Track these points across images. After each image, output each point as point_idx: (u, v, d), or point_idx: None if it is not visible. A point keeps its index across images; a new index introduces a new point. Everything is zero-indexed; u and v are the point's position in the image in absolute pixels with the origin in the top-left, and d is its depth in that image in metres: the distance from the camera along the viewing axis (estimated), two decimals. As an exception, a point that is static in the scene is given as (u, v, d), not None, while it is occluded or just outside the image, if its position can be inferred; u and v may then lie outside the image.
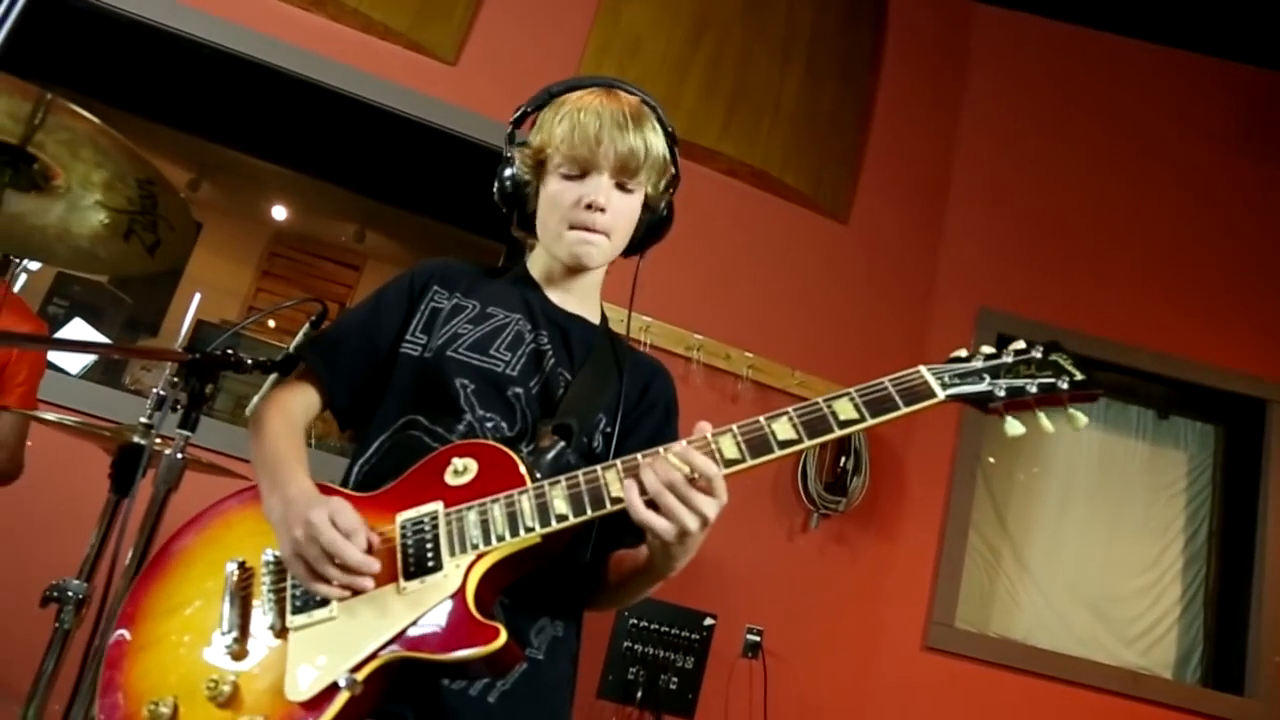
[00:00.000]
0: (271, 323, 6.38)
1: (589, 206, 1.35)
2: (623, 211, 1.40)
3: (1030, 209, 4.05)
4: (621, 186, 1.38)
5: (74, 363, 4.67)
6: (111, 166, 1.70)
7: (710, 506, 1.07)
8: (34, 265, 2.42)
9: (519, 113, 1.46)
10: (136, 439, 1.99)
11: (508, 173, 1.42)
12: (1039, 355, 1.11)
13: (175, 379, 1.60)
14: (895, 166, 4.00)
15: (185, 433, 1.57)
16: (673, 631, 3.04)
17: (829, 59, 3.90)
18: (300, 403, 1.39)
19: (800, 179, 3.76)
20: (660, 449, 1.11)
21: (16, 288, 2.60)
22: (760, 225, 3.76)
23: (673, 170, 1.46)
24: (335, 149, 4.65)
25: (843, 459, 3.54)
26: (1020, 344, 1.13)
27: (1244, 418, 4.02)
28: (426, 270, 1.46)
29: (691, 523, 1.06)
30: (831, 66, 3.90)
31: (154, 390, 2.14)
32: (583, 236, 1.37)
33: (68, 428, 2.14)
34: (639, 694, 2.95)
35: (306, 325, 1.88)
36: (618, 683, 2.97)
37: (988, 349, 1.14)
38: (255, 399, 1.85)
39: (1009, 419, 1.11)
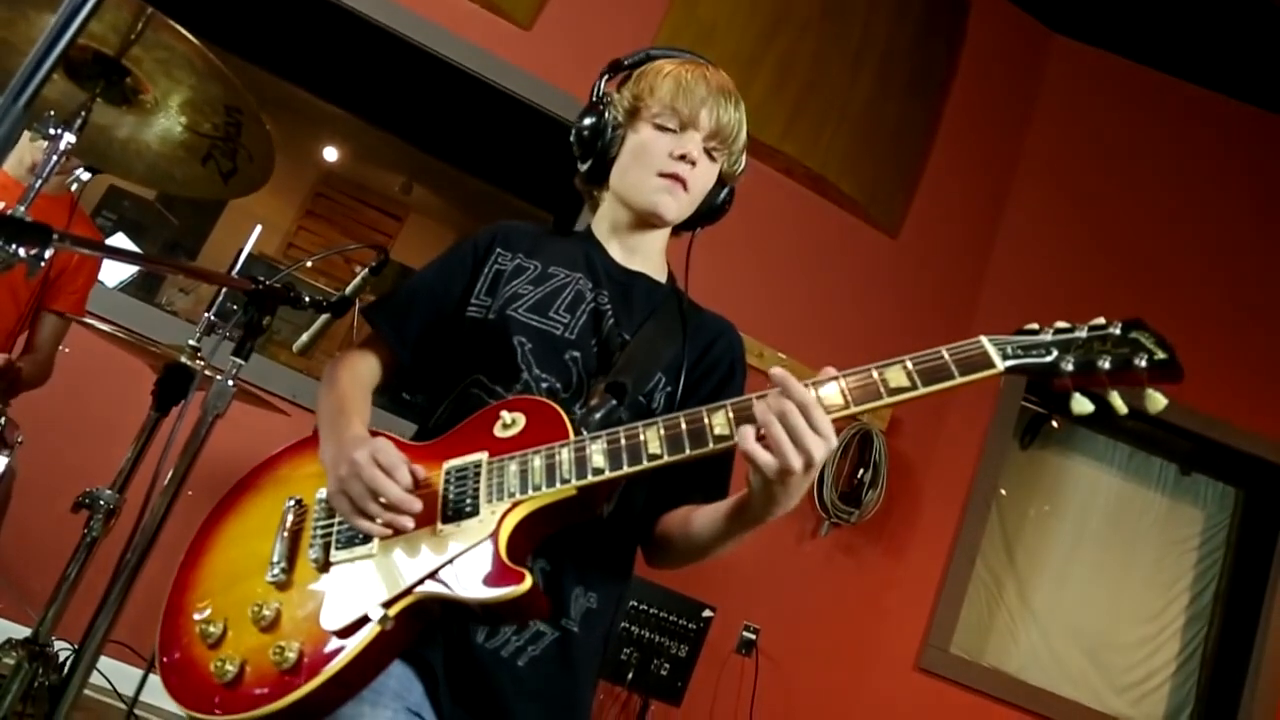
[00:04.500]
0: (309, 262, 6.42)
1: (682, 158, 1.37)
2: (705, 175, 1.42)
3: (1078, 246, 4.03)
4: (709, 153, 1.41)
5: (113, 276, 4.72)
6: (202, 90, 1.71)
7: (817, 445, 1.01)
8: (85, 175, 2.44)
9: (614, 64, 1.48)
10: (184, 359, 2.03)
11: (591, 119, 1.43)
12: (1117, 332, 1.03)
13: (234, 307, 1.62)
14: (951, 187, 3.98)
15: (239, 360, 1.59)
16: (670, 618, 3.04)
17: (900, 72, 3.87)
18: (369, 365, 1.42)
19: (856, 188, 3.75)
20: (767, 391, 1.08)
21: (71, 194, 2.62)
22: (811, 228, 3.75)
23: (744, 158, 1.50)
24: (394, 97, 4.66)
25: (861, 471, 3.54)
26: (1099, 320, 1.05)
27: (1266, 484, 4.00)
28: (490, 233, 1.47)
29: (796, 460, 1.00)
30: (901, 80, 3.88)
31: (205, 315, 2.17)
32: (668, 185, 1.38)
33: (119, 340, 2.17)
34: (629, 675, 2.96)
35: (365, 271, 1.91)
36: (609, 662, 2.97)
37: (1061, 323, 1.07)
38: (304, 337, 1.88)
39: (1076, 395, 1.03)
